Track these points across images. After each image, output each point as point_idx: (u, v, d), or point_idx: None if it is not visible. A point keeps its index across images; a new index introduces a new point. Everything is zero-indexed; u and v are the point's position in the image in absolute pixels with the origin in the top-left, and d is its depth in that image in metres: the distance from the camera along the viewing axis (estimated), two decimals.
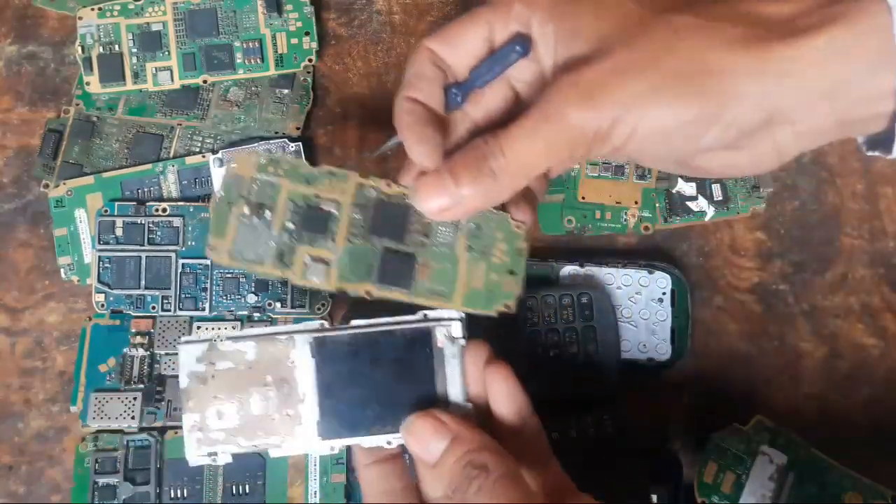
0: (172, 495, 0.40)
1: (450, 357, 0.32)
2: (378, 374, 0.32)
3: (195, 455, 0.31)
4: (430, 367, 0.32)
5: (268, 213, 0.30)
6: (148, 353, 0.41)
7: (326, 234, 0.30)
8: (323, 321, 0.32)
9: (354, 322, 0.32)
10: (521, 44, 0.30)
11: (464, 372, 0.32)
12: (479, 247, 0.31)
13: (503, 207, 0.31)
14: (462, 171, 0.29)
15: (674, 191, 0.43)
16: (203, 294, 0.41)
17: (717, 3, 0.28)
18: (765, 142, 0.28)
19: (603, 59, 0.28)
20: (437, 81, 0.31)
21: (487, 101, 0.32)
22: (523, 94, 0.32)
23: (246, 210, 0.30)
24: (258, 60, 0.43)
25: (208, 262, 0.41)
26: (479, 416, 0.31)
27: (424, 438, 0.30)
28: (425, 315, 0.32)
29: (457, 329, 0.32)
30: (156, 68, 0.43)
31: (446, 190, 0.30)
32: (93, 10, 0.43)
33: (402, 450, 0.32)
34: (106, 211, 0.41)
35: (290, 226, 0.30)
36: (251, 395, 0.31)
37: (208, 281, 0.41)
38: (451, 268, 0.31)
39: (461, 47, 0.31)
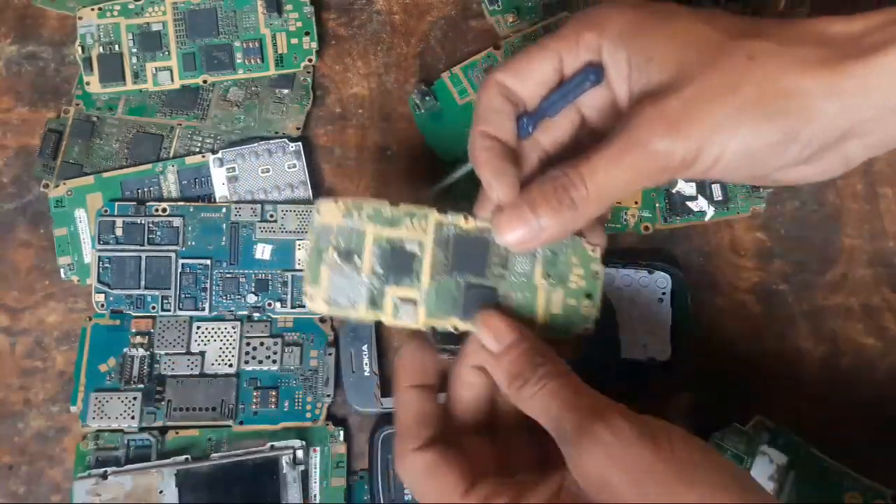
0: None
1: (291, 481, 0.38)
2: (233, 500, 0.38)
3: None
4: (277, 489, 0.38)
5: (356, 259, 0.31)
6: (148, 353, 0.41)
7: (412, 274, 0.32)
8: (187, 456, 0.38)
9: (213, 455, 0.38)
10: (595, 73, 0.31)
11: (305, 492, 0.38)
12: (556, 274, 0.33)
13: (577, 232, 0.32)
14: (542, 204, 0.30)
15: (674, 191, 0.43)
16: (203, 294, 0.41)
17: (786, 24, 0.29)
18: (836, 155, 0.30)
19: (684, 88, 0.28)
20: (508, 114, 0.32)
21: (556, 128, 0.33)
22: (592, 120, 0.33)
23: (336, 258, 0.31)
24: (258, 60, 0.43)
25: (208, 262, 0.41)
26: None
27: (495, 329, 0.32)
28: (272, 446, 0.38)
29: (299, 455, 0.38)
30: (156, 68, 0.43)
31: (526, 223, 0.31)
32: (93, 10, 0.43)
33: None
34: (106, 211, 0.41)
35: (378, 269, 0.32)
36: None
37: (208, 281, 0.41)
38: (530, 297, 0.33)
39: (531, 79, 0.32)
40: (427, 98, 0.43)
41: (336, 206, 0.31)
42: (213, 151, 0.43)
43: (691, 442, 0.28)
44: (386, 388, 0.41)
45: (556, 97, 0.32)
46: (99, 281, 0.41)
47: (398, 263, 0.32)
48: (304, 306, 0.41)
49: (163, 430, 0.40)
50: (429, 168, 0.44)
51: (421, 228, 0.32)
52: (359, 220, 0.31)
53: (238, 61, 0.43)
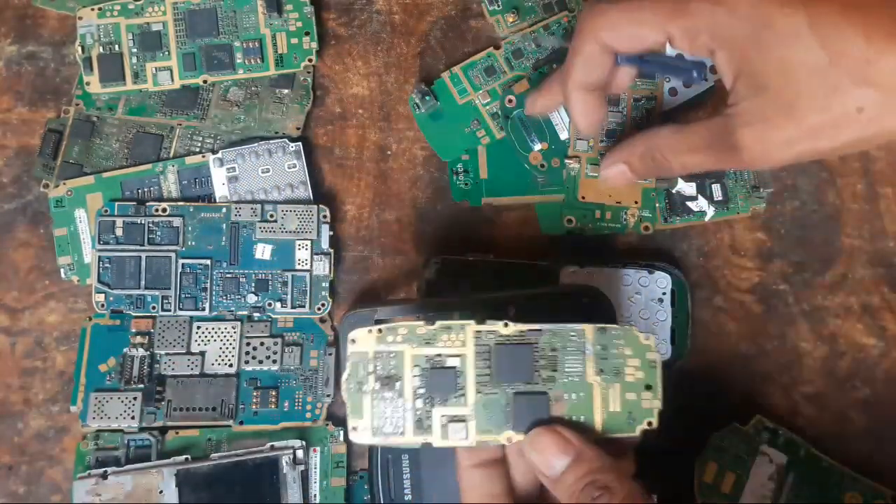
0: None
1: (291, 481, 0.38)
2: (233, 499, 0.38)
3: None
4: (277, 489, 0.38)
5: (397, 384, 0.30)
6: (148, 353, 0.41)
7: (457, 391, 0.30)
8: (187, 456, 0.38)
9: (213, 455, 0.38)
10: (701, 73, 0.34)
11: (305, 492, 0.38)
12: (610, 368, 0.31)
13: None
14: (637, 166, 0.37)
15: (674, 191, 0.43)
16: (203, 294, 0.41)
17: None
18: None
19: (790, 121, 0.31)
20: (607, 65, 0.35)
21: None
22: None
23: (376, 385, 0.30)
24: (258, 60, 0.43)
25: (208, 262, 0.41)
26: None
27: (547, 454, 0.30)
28: (272, 446, 0.38)
29: (299, 455, 0.38)
30: (156, 68, 0.43)
31: (622, 177, 0.38)
32: (93, 10, 0.43)
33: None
34: (106, 211, 0.41)
35: (421, 390, 0.30)
36: None
37: (208, 281, 0.41)
38: (585, 396, 0.31)
39: (635, 41, 0.33)
40: (427, 98, 0.43)
41: (370, 335, 0.30)
42: (213, 151, 0.43)
43: None
44: None
45: (657, 68, 0.34)
46: (99, 281, 0.41)
47: (441, 381, 0.30)
48: (304, 306, 0.41)
49: (163, 430, 0.40)
50: (428, 168, 0.44)
51: (459, 341, 0.30)
52: (394, 343, 0.30)
53: (238, 61, 0.43)
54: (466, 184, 0.43)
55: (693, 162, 0.34)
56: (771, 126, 0.31)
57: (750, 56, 0.31)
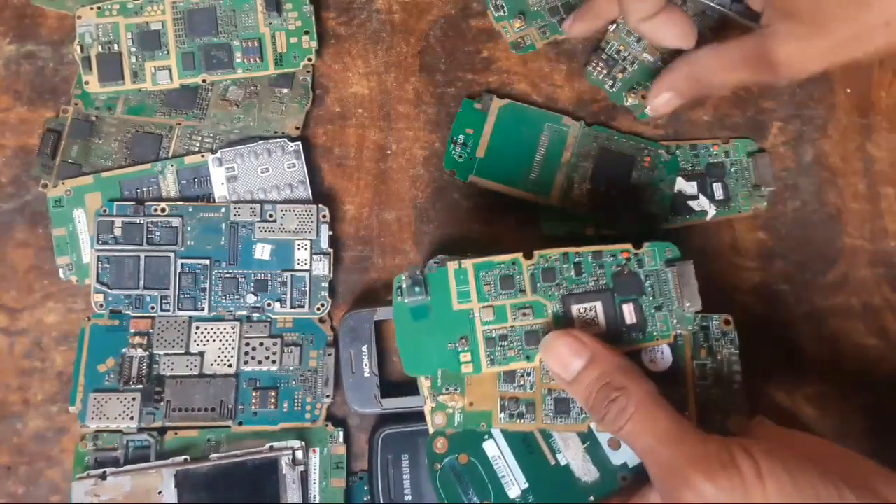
0: None
1: (290, 482, 0.38)
2: (233, 500, 0.38)
3: None
4: (276, 490, 0.38)
5: None
6: (147, 353, 0.41)
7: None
8: (186, 457, 0.38)
9: (212, 456, 0.38)
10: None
11: (304, 493, 0.38)
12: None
13: None
14: (683, 90, 0.38)
15: (675, 191, 0.43)
16: (202, 294, 0.41)
17: None
18: None
19: (821, 37, 0.32)
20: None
21: None
22: None
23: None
24: (257, 60, 0.43)
25: (207, 262, 0.41)
26: None
27: (561, 357, 0.30)
28: (271, 446, 0.38)
29: (298, 456, 0.38)
30: (155, 68, 0.43)
31: (669, 104, 0.39)
32: (92, 9, 0.43)
33: None
34: (105, 211, 0.41)
35: None
36: None
37: (207, 281, 0.41)
38: None
39: None
40: (416, 288, 0.35)
41: None
42: (213, 151, 0.43)
43: (787, 486, 0.26)
44: (386, 390, 0.40)
45: None
46: (98, 281, 0.41)
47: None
48: (303, 306, 0.41)
49: (162, 431, 0.40)
50: (428, 168, 0.44)
51: None
52: None
53: (237, 60, 0.43)
54: (461, 156, 0.43)
55: (733, 79, 0.36)
56: (804, 43, 0.32)
57: None
